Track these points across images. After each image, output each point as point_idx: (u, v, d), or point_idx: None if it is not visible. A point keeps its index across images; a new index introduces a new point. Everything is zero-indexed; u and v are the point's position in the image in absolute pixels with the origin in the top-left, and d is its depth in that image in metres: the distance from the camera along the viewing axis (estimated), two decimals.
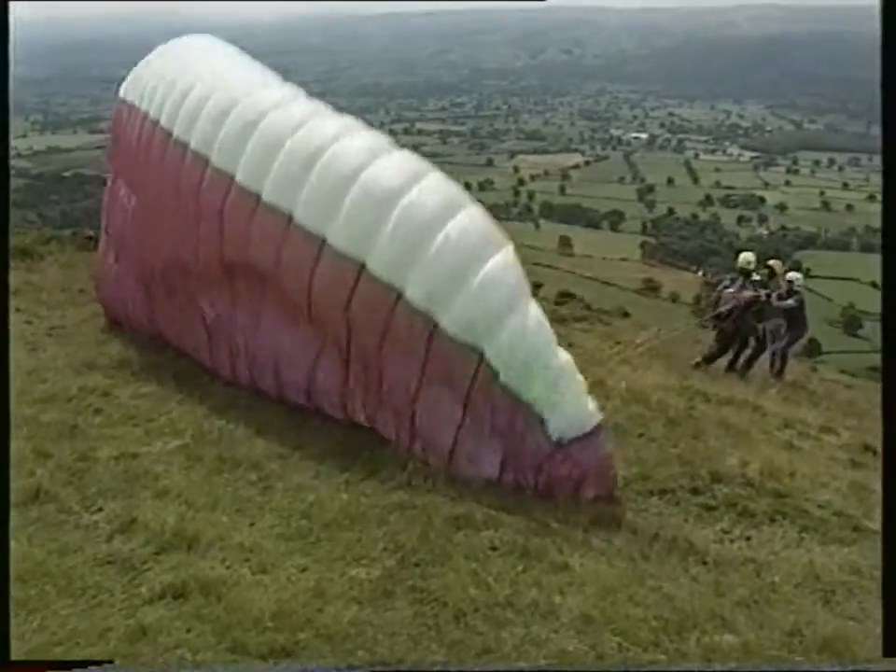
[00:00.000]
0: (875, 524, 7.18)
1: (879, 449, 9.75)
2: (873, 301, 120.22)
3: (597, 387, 9.70)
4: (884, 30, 6.15)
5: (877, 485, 7.95)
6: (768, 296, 14.16)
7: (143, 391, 8.47)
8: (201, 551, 5.47)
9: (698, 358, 14.32)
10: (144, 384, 8.65)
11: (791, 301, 14.35)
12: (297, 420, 7.85)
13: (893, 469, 5.70)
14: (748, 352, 14.41)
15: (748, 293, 13.87)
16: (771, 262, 14.96)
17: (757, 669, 6.56)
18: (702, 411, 9.69)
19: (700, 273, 16.99)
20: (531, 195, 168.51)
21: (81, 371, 8.94)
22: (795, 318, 14.69)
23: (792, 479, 7.65)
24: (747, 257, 14.59)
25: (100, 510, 5.98)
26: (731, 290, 14.08)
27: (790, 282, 14.63)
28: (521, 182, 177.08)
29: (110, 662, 4.27)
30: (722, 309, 13.97)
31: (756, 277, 14.28)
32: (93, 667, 4.50)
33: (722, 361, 14.18)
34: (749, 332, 14.26)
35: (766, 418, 10.20)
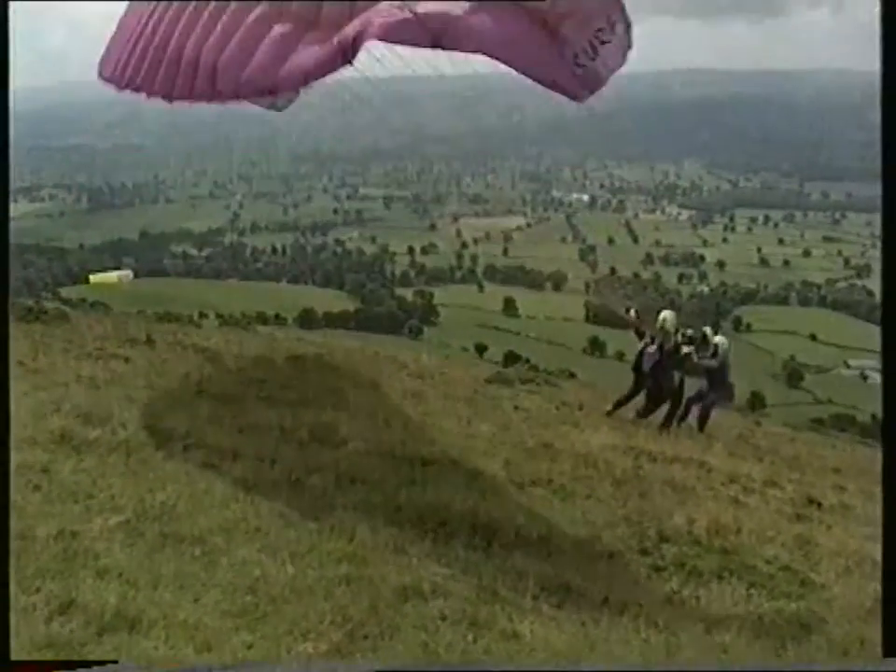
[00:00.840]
0: (822, 577, 7.25)
1: (823, 502, 9.92)
2: (813, 354, 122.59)
3: (544, 450, 9.77)
4: (884, 30, 6.32)
5: (822, 538, 8.09)
6: (687, 354, 14.70)
7: (83, 466, 8.31)
8: (143, 630, 5.34)
9: (632, 415, 14.72)
10: (84, 458, 8.49)
11: (713, 362, 14.98)
12: (240, 491, 7.76)
13: (893, 469, 5.77)
14: (666, 407, 14.78)
15: (666, 347, 14.48)
16: (706, 329, 15.75)
17: (757, 669, 6.56)
18: (648, 470, 9.74)
19: (632, 312, 16.80)
20: (475, 258, 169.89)
21: (20, 446, 8.75)
22: (717, 379, 15.25)
23: (739, 535, 7.71)
24: (665, 315, 15.07)
25: (38, 590, 5.82)
26: (651, 350, 14.65)
27: (714, 344, 15.35)
28: (464, 245, 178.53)
29: (114, 662, 4.13)
30: (645, 368, 14.54)
31: (680, 336, 14.85)
32: (96, 667, 4.36)
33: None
34: (671, 388, 14.69)
35: (712, 474, 10.29)
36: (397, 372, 15.94)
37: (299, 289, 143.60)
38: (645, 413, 14.68)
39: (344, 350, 18.55)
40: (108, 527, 6.93)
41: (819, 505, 9.83)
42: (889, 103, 6.01)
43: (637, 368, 14.96)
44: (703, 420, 15.34)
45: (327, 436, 9.54)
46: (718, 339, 15.67)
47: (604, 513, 7.91)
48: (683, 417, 14.87)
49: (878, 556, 7.67)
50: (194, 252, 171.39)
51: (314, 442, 9.38)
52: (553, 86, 7.16)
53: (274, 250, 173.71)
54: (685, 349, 14.78)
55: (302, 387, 12.95)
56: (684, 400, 14.89)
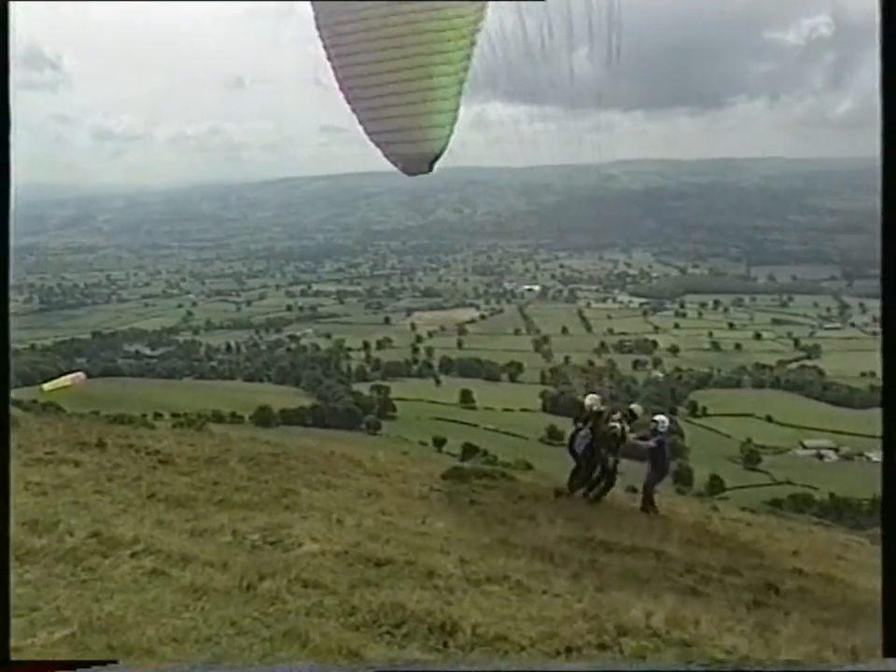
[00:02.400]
0: (780, 665, 7.21)
1: (781, 587, 9.91)
2: (769, 436, 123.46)
3: (500, 545, 9.71)
4: (884, 30, 6.32)
5: (781, 625, 8.06)
6: (616, 433, 15.37)
7: (27, 577, 8.12)
8: None
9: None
10: (28, 569, 8.29)
11: (650, 442, 15.77)
12: (190, 599, 7.60)
13: (893, 473, 5.77)
14: (601, 485, 15.61)
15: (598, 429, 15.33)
16: (632, 406, 16.54)
17: (757, 669, 6.40)
18: (605, 561, 9.70)
19: (588, 399, 16.64)
20: (430, 351, 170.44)
21: None
22: (656, 459, 16.01)
23: (697, 626, 7.65)
24: (591, 398, 16.03)
25: None
26: (583, 432, 15.54)
27: (654, 422, 16.20)
28: (419, 339, 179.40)
29: (114, 662, 3.97)
30: (577, 449, 15.49)
31: (615, 417, 15.68)
32: (97, 667, 4.15)
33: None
34: (601, 467, 15.45)
35: (669, 564, 10.27)
36: (352, 471, 15.83)
37: (254, 387, 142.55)
38: (572, 488, 15.66)
39: (300, 449, 18.41)
40: (53, 641, 6.75)
41: (777, 591, 9.81)
42: (889, 109, 6.19)
43: (570, 450, 15.82)
44: (645, 501, 16.10)
45: (279, 539, 9.43)
46: (658, 417, 16.45)
47: (561, 608, 7.83)
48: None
49: (839, 642, 7.70)
50: (148, 351, 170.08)
51: (266, 546, 9.26)
52: None
53: (229, 348, 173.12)
54: (615, 426, 15.41)
55: (256, 489, 12.82)
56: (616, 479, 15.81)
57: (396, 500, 12.82)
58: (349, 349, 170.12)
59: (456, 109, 9.53)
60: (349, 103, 9.29)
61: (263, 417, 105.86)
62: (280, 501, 11.89)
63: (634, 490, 18.56)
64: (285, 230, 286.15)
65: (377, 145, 9.67)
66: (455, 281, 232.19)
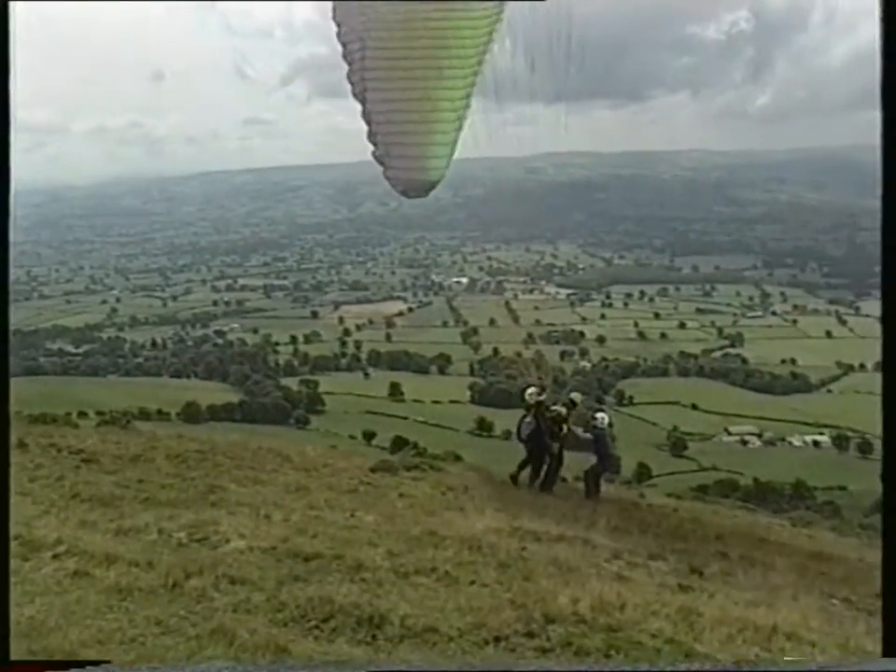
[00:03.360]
0: (705, 646, 7.35)
1: (705, 570, 10.10)
2: (695, 423, 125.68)
3: (429, 537, 9.73)
4: (884, 30, 6.39)
5: (705, 607, 8.22)
6: (558, 419, 17.14)
7: None
8: None
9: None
10: None
11: (587, 435, 17.22)
12: (115, 599, 7.49)
13: (893, 470, 5.87)
14: (545, 469, 17.03)
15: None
16: (573, 394, 18.52)
17: (757, 669, 6.47)
18: (533, 551, 9.77)
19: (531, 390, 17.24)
20: (358, 345, 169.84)
21: None
22: (598, 451, 17.25)
23: (623, 611, 7.76)
24: (529, 393, 17.62)
25: None
26: (528, 419, 17.12)
27: (594, 418, 17.60)
28: (347, 332, 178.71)
29: (108, 662, 3.86)
30: (522, 435, 17.11)
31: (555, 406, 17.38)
32: (91, 667, 4.49)
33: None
34: (545, 453, 16.92)
35: (596, 551, 10.40)
36: (280, 466, 15.72)
37: (181, 383, 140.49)
38: (518, 470, 17.17)
39: (227, 445, 18.20)
40: None
41: (702, 574, 10.00)
42: (890, 104, 6.27)
43: (518, 437, 17.41)
44: (588, 489, 17.30)
45: (206, 536, 9.34)
46: (598, 414, 17.81)
47: (489, 598, 7.89)
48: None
49: (760, 621, 7.87)
50: (71, 349, 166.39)
51: (192, 543, 9.17)
52: None
53: (154, 344, 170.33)
54: (557, 410, 17.29)
55: (182, 486, 12.68)
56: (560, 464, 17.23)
57: (324, 494, 12.77)
58: (277, 344, 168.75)
59: (457, 139, 10.03)
60: (363, 116, 9.85)
61: (190, 414, 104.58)
62: (207, 498, 11.78)
63: (563, 479, 18.74)
64: (210, 224, 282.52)
65: (378, 162, 10.14)
66: (382, 274, 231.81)
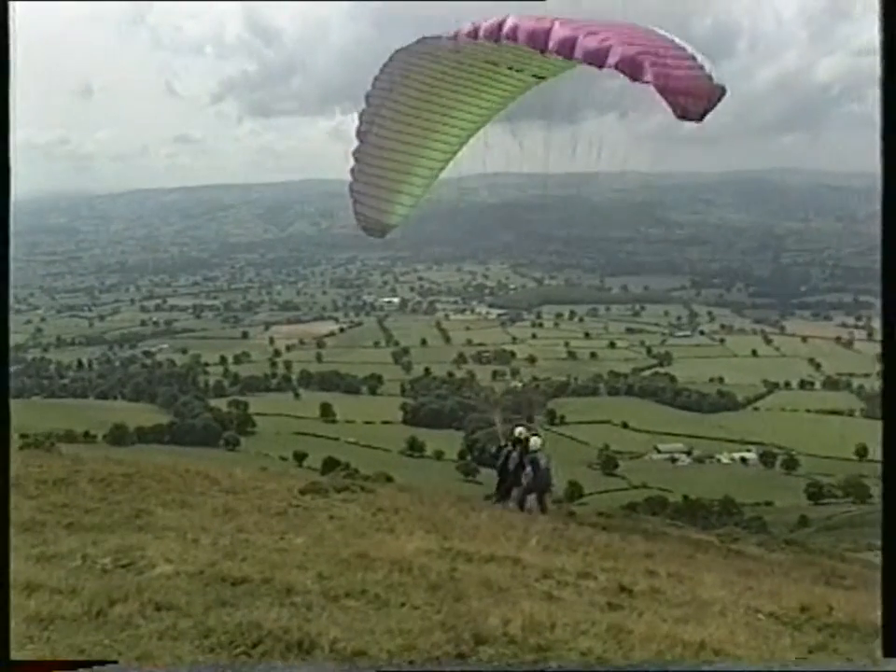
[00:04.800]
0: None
1: (634, 588, 10.19)
2: (625, 441, 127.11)
3: (359, 560, 9.67)
4: (884, 30, 6.39)
5: (634, 625, 8.29)
6: (510, 453, 19.61)
7: None
8: None
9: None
10: None
11: (524, 460, 19.22)
12: (35, 629, 7.29)
13: (893, 470, 5.91)
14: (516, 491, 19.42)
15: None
16: (517, 430, 20.19)
17: (757, 669, 6.46)
18: (464, 571, 9.76)
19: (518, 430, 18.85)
20: (289, 365, 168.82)
21: None
22: (534, 473, 19.01)
23: (553, 631, 7.79)
24: (519, 430, 20.09)
25: None
26: (514, 454, 19.38)
27: (526, 440, 19.51)
28: (277, 353, 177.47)
29: (114, 662, 3.93)
30: (510, 466, 19.39)
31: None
32: (98, 667, 4.75)
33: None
34: (508, 477, 19.46)
35: (527, 571, 10.40)
36: (209, 489, 15.49)
37: (108, 405, 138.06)
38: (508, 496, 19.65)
39: (154, 467, 17.87)
40: None
41: (631, 592, 10.07)
42: (890, 113, 6.39)
43: (500, 465, 20.02)
44: (520, 505, 19.11)
45: (132, 561, 9.15)
46: (532, 440, 19.38)
47: (419, 620, 7.86)
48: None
49: (688, 637, 7.96)
50: None
51: (118, 569, 8.97)
52: None
53: (81, 365, 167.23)
54: (537, 445, 19.30)
55: (107, 510, 12.42)
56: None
57: (253, 517, 12.62)
58: (206, 364, 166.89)
59: (422, 195, 11.86)
60: (354, 153, 11.04)
61: (117, 436, 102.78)
62: (133, 522, 11.55)
63: (488, 498, 19.08)
64: (138, 242, 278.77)
65: (351, 193, 11.44)
66: (313, 294, 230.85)
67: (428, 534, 12.20)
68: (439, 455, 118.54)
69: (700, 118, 8.80)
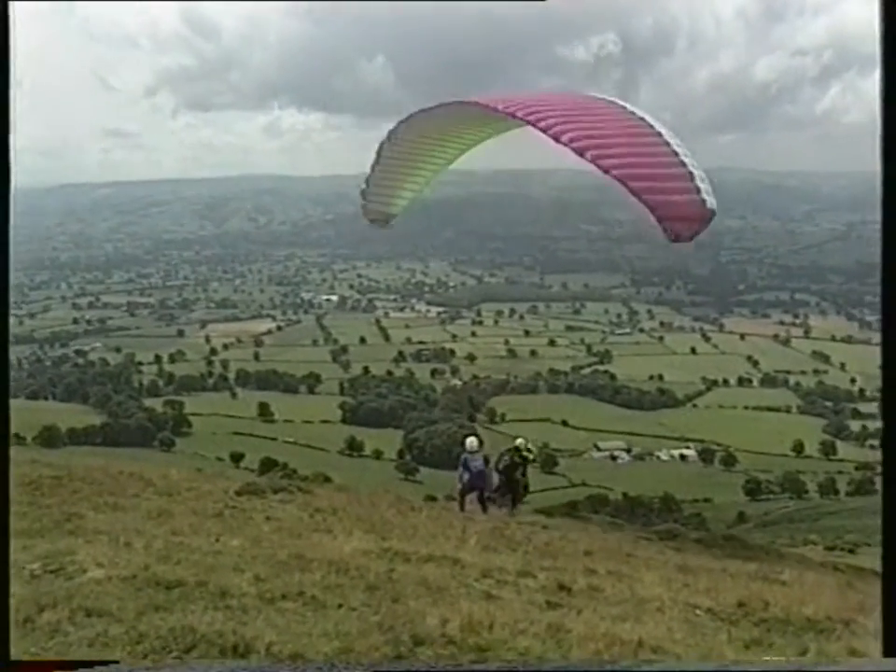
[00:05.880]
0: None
1: (573, 587, 10.27)
2: (565, 439, 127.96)
3: (296, 561, 9.62)
4: (884, 30, 6.38)
5: (573, 624, 8.36)
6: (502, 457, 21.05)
7: None
8: None
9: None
10: None
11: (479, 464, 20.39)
12: None
13: (893, 469, 5.94)
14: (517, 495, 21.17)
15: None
16: (517, 441, 21.71)
17: (758, 669, 6.46)
18: (402, 572, 9.76)
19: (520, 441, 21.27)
20: (225, 364, 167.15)
21: None
22: (472, 473, 19.96)
23: (492, 630, 7.82)
24: (520, 441, 21.53)
25: None
26: (506, 457, 20.73)
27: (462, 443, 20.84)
28: (214, 351, 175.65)
29: (115, 662, 4.17)
30: (500, 466, 20.72)
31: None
32: (99, 667, 4.73)
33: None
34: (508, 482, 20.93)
35: (466, 570, 10.43)
36: (142, 491, 15.28)
37: (38, 405, 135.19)
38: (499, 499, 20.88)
39: (85, 469, 17.59)
40: None
41: (570, 590, 10.14)
42: (890, 107, 6.43)
43: (496, 470, 20.98)
44: (483, 506, 19.84)
45: (62, 566, 8.99)
46: (468, 440, 20.40)
47: (357, 622, 7.84)
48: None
49: (626, 636, 8.05)
50: None
51: (47, 574, 8.81)
52: None
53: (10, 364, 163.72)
54: (530, 455, 21.55)
55: (36, 515, 12.18)
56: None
57: (188, 519, 12.48)
58: (140, 363, 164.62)
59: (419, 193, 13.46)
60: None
61: (48, 437, 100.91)
62: (63, 526, 11.35)
63: (433, 499, 18.99)
64: (70, 238, 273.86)
65: (362, 196, 13.15)
66: (250, 291, 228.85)
67: (367, 534, 12.18)
68: (378, 455, 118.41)
69: (690, 239, 8.86)
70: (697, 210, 8.66)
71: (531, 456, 21.87)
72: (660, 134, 9.28)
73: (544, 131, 9.07)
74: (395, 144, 12.50)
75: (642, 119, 9.58)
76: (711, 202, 8.75)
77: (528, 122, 9.37)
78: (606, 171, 8.68)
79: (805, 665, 7.31)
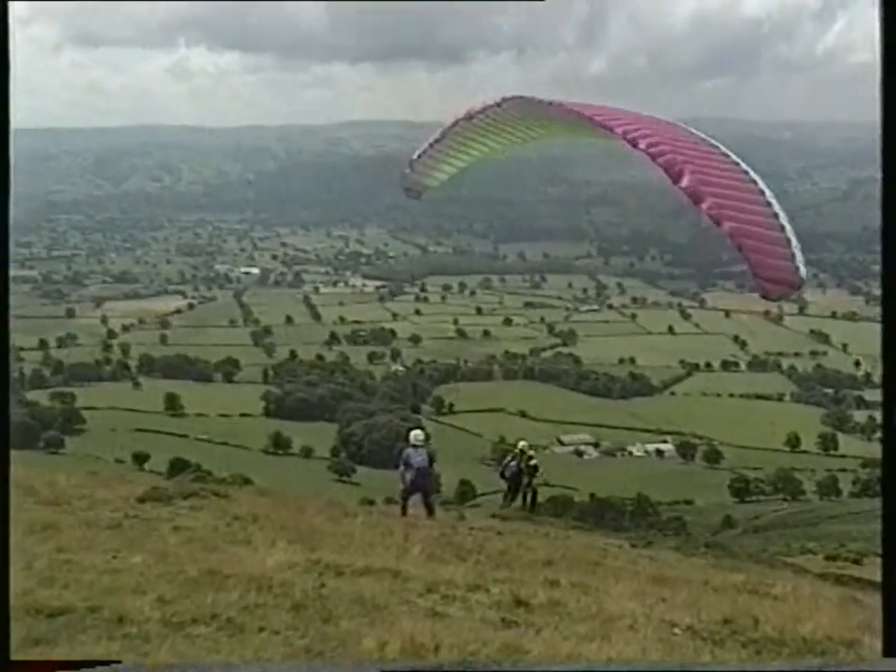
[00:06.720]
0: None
1: (532, 601, 10.32)
2: (523, 432, 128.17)
3: (209, 578, 9.54)
4: (884, 30, 6.87)
5: (531, 643, 8.40)
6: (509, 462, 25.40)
7: None
8: None
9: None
10: None
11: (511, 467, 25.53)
12: None
13: (893, 468, 6.08)
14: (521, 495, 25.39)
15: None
16: (520, 444, 25.64)
17: (758, 669, 6.45)
18: (334, 587, 9.72)
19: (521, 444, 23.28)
20: (125, 349, 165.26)
21: None
22: (415, 472, 20.13)
23: (437, 653, 7.83)
24: (522, 443, 25.86)
25: None
26: (513, 464, 24.58)
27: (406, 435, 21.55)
28: (111, 334, 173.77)
29: (118, 662, 4.68)
30: (507, 474, 25.00)
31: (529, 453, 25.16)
32: (100, 667, 5.12)
33: None
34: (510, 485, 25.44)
35: (408, 584, 10.43)
36: (23, 501, 15.02)
37: None
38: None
39: None
40: None
41: (528, 605, 10.19)
42: (890, 104, 6.68)
43: (502, 475, 25.76)
44: (428, 509, 20.21)
45: None
46: (413, 433, 20.88)
47: (281, 647, 7.81)
48: None
49: (593, 657, 8.10)
50: None
51: None
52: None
53: None
54: (534, 461, 25.28)
55: None
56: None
57: (79, 533, 12.30)
58: (21, 349, 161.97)
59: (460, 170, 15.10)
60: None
61: None
62: None
63: (371, 502, 18.96)
64: None
65: (410, 167, 14.71)
66: (155, 264, 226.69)
67: (292, 545, 12.12)
68: (307, 453, 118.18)
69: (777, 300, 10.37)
70: (792, 278, 9.58)
71: (536, 461, 24.82)
72: (763, 192, 10.38)
73: (666, 168, 9.76)
74: (463, 124, 13.58)
75: (746, 170, 10.72)
76: (804, 271, 9.69)
77: (648, 153, 9.97)
78: (719, 223, 9.47)
79: (806, 665, 7.40)
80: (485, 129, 13.85)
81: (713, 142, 11.21)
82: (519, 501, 25.88)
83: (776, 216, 10.00)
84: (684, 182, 9.62)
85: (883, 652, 6.10)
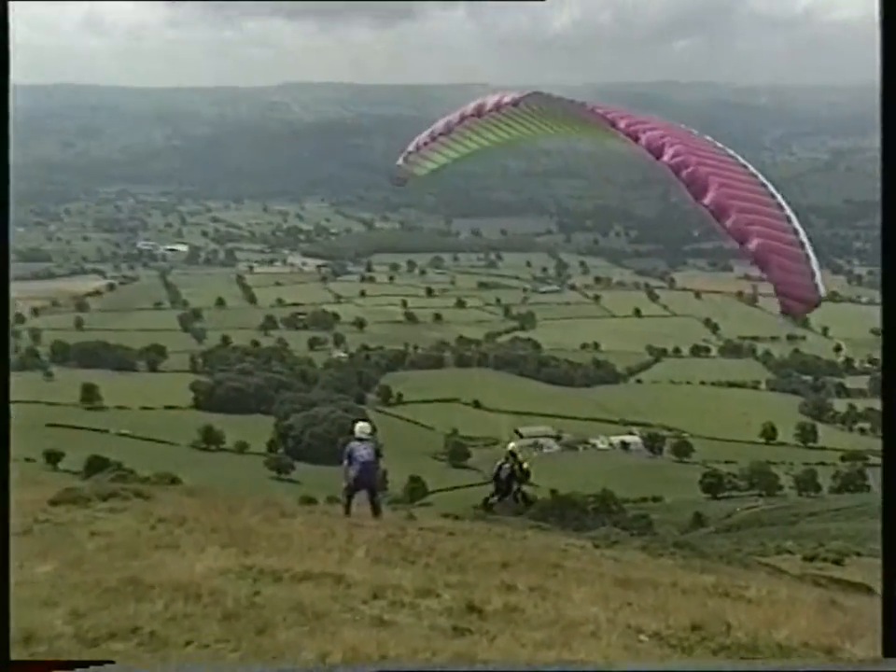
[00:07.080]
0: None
1: (486, 607, 10.35)
2: (478, 424, 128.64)
3: (130, 587, 9.45)
4: (884, 31, 6.99)
5: (485, 652, 8.42)
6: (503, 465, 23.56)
7: None
8: None
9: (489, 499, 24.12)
10: None
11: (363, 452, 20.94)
12: None
13: (893, 467, 6.13)
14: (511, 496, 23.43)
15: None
16: (510, 445, 24.44)
17: (758, 669, 6.44)
18: (270, 595, 9.69)
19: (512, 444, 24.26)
20: (36, 334, 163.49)
21: None
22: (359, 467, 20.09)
23: (383, 662, 7.84)
24: (513, 445, 24.30)
25: None
26: (506, 465, 22.75)
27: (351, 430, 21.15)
28: (19, 318, 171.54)
29: (111, 662, 4.93)
30: (502, 476, 23.08)
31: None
32: (95, 667, 5.36)
33: None
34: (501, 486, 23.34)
35: (351, 590, 10.41)
36: None
37: None
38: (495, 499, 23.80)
39: None
40: None
41: (482, 612, 10.21)
42: (889, 106, 6.79)
43: (496, 477, 23.76)
44: (374, 507, 20.24)
45: None
46: (358, 425, 20.97)
47: (210, 661, 7.78)
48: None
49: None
50: None
51: None
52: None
53: None
54: (526, 465, 23.90)
55: None
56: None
57: None
58: None
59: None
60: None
61: None
62: None
63: (311, 501, 18.87)
64: None
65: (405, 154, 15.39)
66: (69, 240, 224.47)
67: (224, 549, 12.07)
68: (242, 448, 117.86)
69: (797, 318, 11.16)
70: (811, 295, 10.07)
71: (527, 465, 24.02)
72: (782, 207, 10.84)
73: (688, 183, 10.15)
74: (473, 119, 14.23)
75: (764, 183, 11.17)
76: (822, 289, 10.18)
77: (671, 167, 10.38)
78: (743, 241, 9.84)
79: (806, 665, 7.47)
80: (495, 124, 14.50)
81: (730, 151, 11.90)
82: (510, 501, 25.60)
83: (796, 231, 10.40)
84: (709, 197, 9.96)
85: (883, 653, 6.29)
